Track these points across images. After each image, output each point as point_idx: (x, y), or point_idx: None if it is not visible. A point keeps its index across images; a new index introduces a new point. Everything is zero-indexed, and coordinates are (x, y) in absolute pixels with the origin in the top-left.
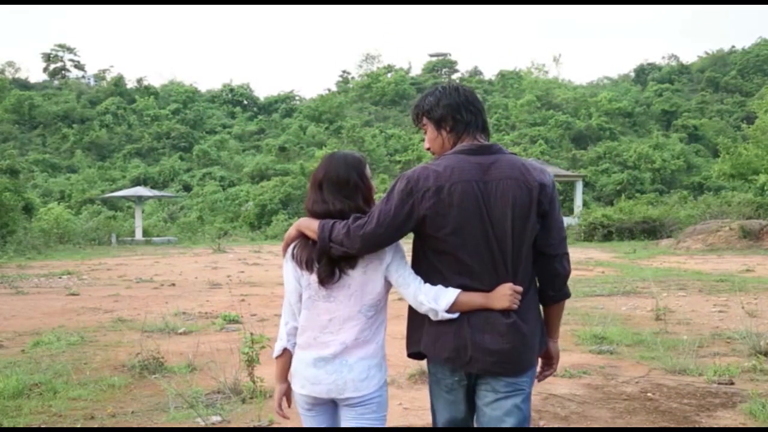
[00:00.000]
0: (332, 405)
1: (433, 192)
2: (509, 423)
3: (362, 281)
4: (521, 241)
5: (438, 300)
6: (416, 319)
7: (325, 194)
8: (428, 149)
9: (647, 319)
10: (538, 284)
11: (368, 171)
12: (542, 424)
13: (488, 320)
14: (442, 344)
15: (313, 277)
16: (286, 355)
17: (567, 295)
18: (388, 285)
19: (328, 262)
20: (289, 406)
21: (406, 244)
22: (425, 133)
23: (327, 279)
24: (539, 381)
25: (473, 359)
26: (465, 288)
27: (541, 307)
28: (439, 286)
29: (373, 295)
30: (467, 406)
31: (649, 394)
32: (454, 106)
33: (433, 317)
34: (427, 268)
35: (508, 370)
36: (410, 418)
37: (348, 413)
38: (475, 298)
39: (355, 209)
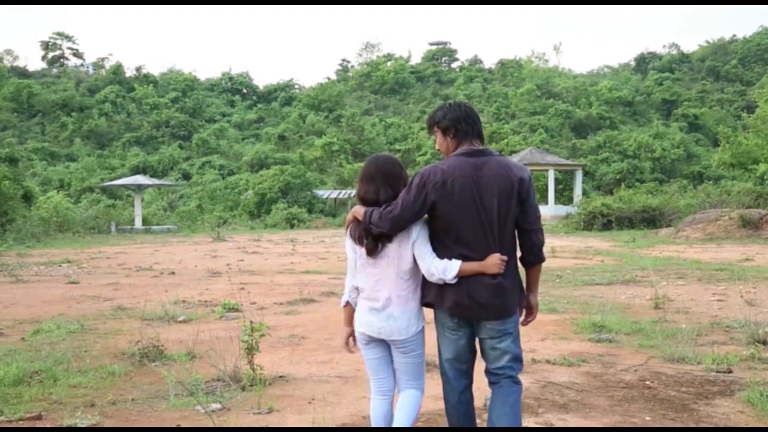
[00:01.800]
0: (383, 342)
1: (440, 184)
2: (505, 360)
3: (398, 252)
4: (505, 221)
5: (446, 272)
6: (429, 282)
7: (376, 184)
8: (438, 150)
9: (646, 308)
10: (519, 252)
11: (403, 167)
12: (541, 411)
13: (480, 281)
14: (446, 298)
15: (363, 249)
16: (349, 307)
17: (542, 259)
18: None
19: (372, 238)
20: (355, 344)
21: None
22: (435, 137)
23: (372, 250)
24: (524, 325)
25: (468, 308)
26: (464, 256)
27: (522, 269)
28: (446, 260)
29: (406, 263)
30: (468, 344)
31: (647, 382)
32: (456, 119)
33: (440, 283)
34: (437, 241)
35: (494, 316)
36: None
37: (394, 350)
38: (473, 266)
39: (395, 196)
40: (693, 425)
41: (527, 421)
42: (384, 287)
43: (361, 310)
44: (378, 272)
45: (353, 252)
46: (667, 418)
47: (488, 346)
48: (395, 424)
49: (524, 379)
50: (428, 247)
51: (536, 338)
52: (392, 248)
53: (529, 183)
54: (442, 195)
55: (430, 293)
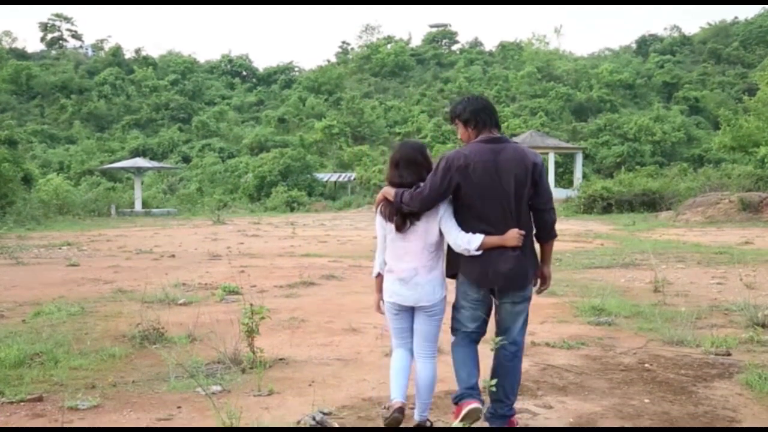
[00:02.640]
0: (410, 310)
1: (463, 168)
2: (521, 318)
3: (425, 228)
4: (520, 200)
5: (470, 243)
6: (453, 253)
7: (401, 170)
8: (461, 139)
9: (646, 291)
10: (534, 230)
11: (428, 153)
12: (540, 394)
13: (501, 254)
14: (471, 269)
15: (392, 226)
16: (380, 277)
17: (555, 235)
18: (440, 232)
19: (401, 215)
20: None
21: None
22: (457, 128)
23: (401, 226)
24: (538, 294)
25: (492, 280)
26: (485, 232)
27: (537, 244)
28: (470, 233)
29: (432, 237)
30: (486, 312)
31: (646, 365)
32: (475, 110)
33: (465, 254)
34: (460, 218)
35: (515, 286)
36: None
37: (421, 314)
38: (494, 240)
39: (419, 179)
40: (692, 408)
41: (527, 403)
42: (411, 259)
43: (390, 281)
44: (406, 246)
45: (382, 229)
46: (666, 400)
47: (506, 312)
48: (420, 399)
49: (524, 361)
50: (454, 222)
51: (536, 321)
52: (420, 224)
53: (541, 167)
54: (465, 177)
55: (456, 266)
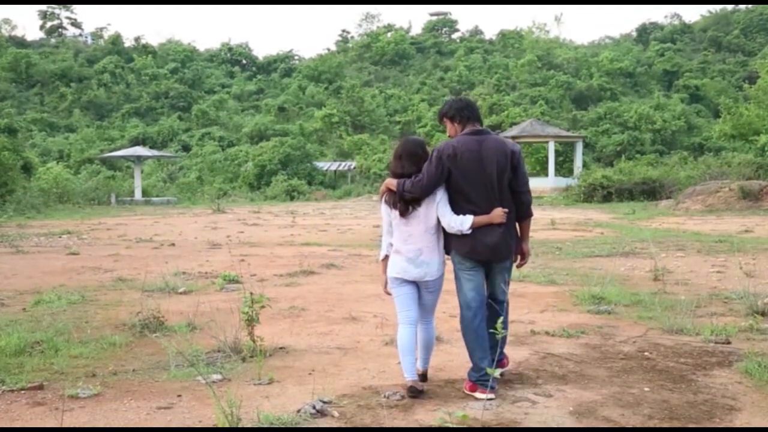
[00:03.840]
0: (412, 283)
1: (452, 156)
2: (504, 280)
3: (425, 212)
4: (501, 184)
5: (463, 224)
6: (448, 234)
7: (403, 161)
8: (450, 136)
9: (645, 280)
10: (515, 211)
11: (427, 147)
12: (540, 382)
13: (488, 230)
14: (463, 245)
15: (396, 212)
16: (386, 260)
17: (531, 214)
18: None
19: (404, 202)
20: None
21: None
22: (446, 126)
23: (404, 212)
24: (518, 267)
25: (480, 252)
26: (472, 212)
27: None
28: (461, 216)
29: (432, 221)
30: (482, 278)
31: (646, 354)
32: (459, 108)
33: (458, 234)
34: (452, 200)
35: (499, 257)
36: None
37: (424, 289)
38: (482, 219)
39: (418, 171)
40: (691, 396)
41: (526, 392)
42: (415, 241)
43: (396, 260)
44: (409, 230)
45: (387, 215)
46: (666, 388)
47: (494, 279)
48: (423, 355)
49: (523, 350)
50: (448, 207)
51: (536, 310)
52: (421, 210)
53: (519, 154)
54: (454, 164)
55: (450, 243)
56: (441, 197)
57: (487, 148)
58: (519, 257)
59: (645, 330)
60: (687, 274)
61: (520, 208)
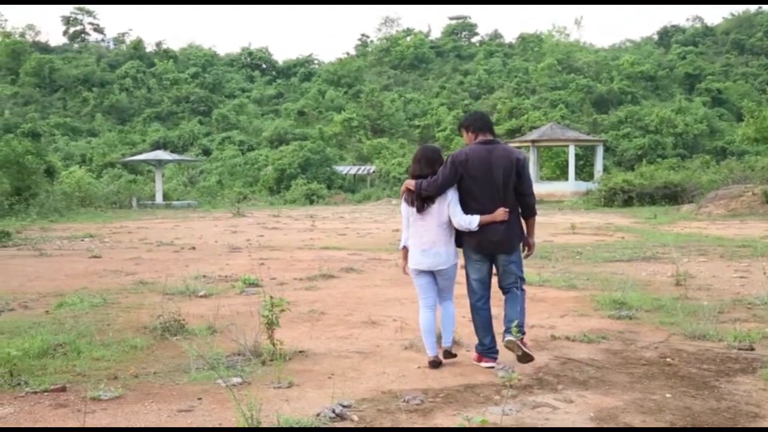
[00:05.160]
0: (430, 272)
1: (464, 162)
2: (512, 278)
3: (438, 209)
4: (507, 188)
5: (471, 223)
6: (460, 231)
7: (421, 164)
8: (466, 143)
9: (667, 285)
10: (520, 210)
11: (442, 153)
12: (560, 388)
13: (493, 228)
14: (471, 240)
15: (413, 209)
16: (404, 249)
17: (535, 213)
18: None
19: (420, 200)
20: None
21: None
22: (462, 136)
23: (421, 208)
24: (525, 258)
25: (486, 246)
26: (479, 211)
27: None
28: (470, 215)
29: (444, 217)
30: (488, 270)
31: (668, 360)
32: (474, 120)
33: (467, 231)
34: (462, 202)
35: (503, 250)
36: (428, 381)
37: (439, 276)
38: (487, 218)
39: (434, 173)
40: (714, 403)
41: (547, 397)
42: (430, 234)
43: (414, 252)
44: (425, 224)
45: (406, 212)
46: (688, 395)
47: (502, 271)
48: (445, 332)
49: (544, 355)
50: (458, 207)
51: (556, 315)
52: (434, 207)
53: (524, 162)
54: (465, 169)
55: (461, 238)
56: (452, 198)
57: (496, 156)
58: (526, 249)
59: (667, 335)
60: (709, 279)
61: (525, 209)
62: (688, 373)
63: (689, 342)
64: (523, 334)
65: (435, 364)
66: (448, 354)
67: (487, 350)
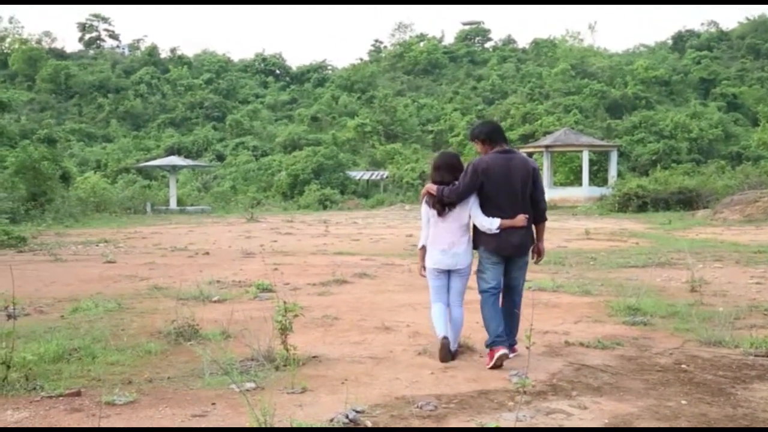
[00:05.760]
0: (446, 273)
1: (485, 170)
2: (522, 275)
3: (458, 213)
4: (524, 194)
5: (492, 225)
6: (477, 231)
7: (441, 171)
8: (480, 152)
9: (682, 291)
10: (533, 216)
11: (461, 160)
12: (575, 394)
13: (512, 231)
14: (490, 242)
15: (434, 212)
16: (423, 249)
17: (546, 219)
18: (469, 216)
19: (441, 204)
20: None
21: None
22: (477, 146)
23: (441, 212)
24: (536, 263)
25: (505, 248)
26: (500, 216)
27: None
28: (491, 218)
29: (463, 220)
30: (502, 270)
31: (683, 366)
32: (489, 131)
33: (487, 232)
34: (483, 207)
35: (520, 253)
36: (441, 387)
37: (454, 275)
38: (507, 222)
39: (454, 179)
40: (731, 410)
41: (561, 404)
42: (450, 236)
43: (433, 252)
44: (445, 226)
45: (426, 214)
46: (704, 402)
47: (514, 272)
48: (454, 333)
49: (558, 361)
50: (480, 211)
51: (570, 321)
52: (455, 211)
53: (537, 171)
54: (486, 177)
55: (480, 240)
56: (473, 202)
57: (514, 165)
58: (536, 255)
59: (682, 342)
60: (725, 286)
61: (538, 214)
62: (703, 380)
63: (705, 348)
64: (515, 341)
65: (445, 343)
66: (453, 356)
67: (497, 338)
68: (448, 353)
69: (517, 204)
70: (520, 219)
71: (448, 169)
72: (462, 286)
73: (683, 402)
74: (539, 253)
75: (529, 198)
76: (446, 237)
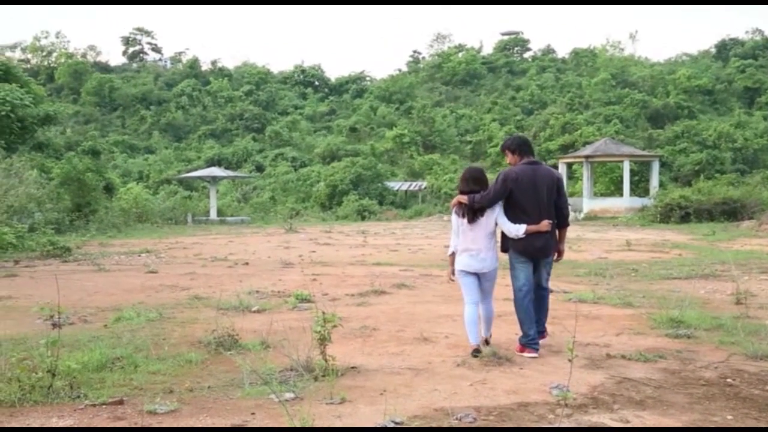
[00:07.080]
0: (475, 274)
1: (514, 180)
2: (547, 272)
3: (486, 221)
4: (550, 202)
5: (518, 230)
6: (505, 236)
7: (470, 183)
8: (509, 163)
9: (727, 303)
10: (557, 221)
11: (486, 174)
12: (616, 408)
13: (537, 236)
14: (518, 245)
15: (464, 220)
16: (453, 255)
17: (569, 224)
18: (495, 224)
19: (472, 212)
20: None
21: None
22: (507, 157)
23: (471, 219)
24: (556, 262)
25: (531, 251)
26: (526, 222)
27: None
28: (518, 224)
29: (491, 227)
30: (531, 270)
31: (728, 380)
32: (519, 144)
33: (514, 237)
34: (511, 213)
35: (545, 254)
36: (480, 399)
37: (483, 278)
38: (533, 228)
39: (479, 189)
40: None
41: (603, 417)
42: (478, 242)
43: (462, 256)
44: (474, 234)
45: (457, 222)
46: (750, 417)
47: (540, 270)
48: (485, 324)
49: (599, 374)
50: (506, 218)
51: (611, 333)
52: (483, 219)
53: (561, 180)
54: (515, 186)
55: (508, 244)
56: (499, 212)
57: (540, 175)
58: (557, 255)
59: (727, 355)
60: None
61: (562, 220)
62: (750, 395)
63: (751, 362)
64: (544, 330)
65: (477, 352)
66: (486, 342)
67: (530, 341)
68: (478, 354)
69: (543, 210)
70: (545, 224)
71: (474, 180)
72: (490, 287)
73: (729, 417)
74: (560, 254)
75: (553, 205)
76: (475, 243)
